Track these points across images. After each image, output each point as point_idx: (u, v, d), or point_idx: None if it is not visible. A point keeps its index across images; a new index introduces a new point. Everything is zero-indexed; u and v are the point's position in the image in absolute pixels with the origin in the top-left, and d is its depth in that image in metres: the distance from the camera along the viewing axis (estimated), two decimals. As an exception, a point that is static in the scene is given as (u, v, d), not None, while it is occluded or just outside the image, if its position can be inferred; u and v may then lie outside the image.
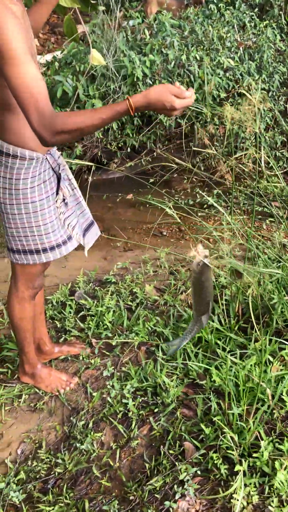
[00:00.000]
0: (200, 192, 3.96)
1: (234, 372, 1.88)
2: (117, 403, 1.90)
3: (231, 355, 1.97)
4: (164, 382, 1.91)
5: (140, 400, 1.89)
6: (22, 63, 1.21)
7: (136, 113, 1.27)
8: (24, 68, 1.21)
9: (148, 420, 1.84)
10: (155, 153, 4.21)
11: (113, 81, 4.01)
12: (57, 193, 1.65)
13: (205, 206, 3.92)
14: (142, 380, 1.96)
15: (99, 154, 4.18)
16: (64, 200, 1.67)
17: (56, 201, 1.64)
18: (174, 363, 2.00)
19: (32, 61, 1.25)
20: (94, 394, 1.95)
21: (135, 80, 3.86)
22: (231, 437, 1.65)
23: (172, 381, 1.92)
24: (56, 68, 4.04)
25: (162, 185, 4.17)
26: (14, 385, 2.03)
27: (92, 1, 2.19)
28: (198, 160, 4.19)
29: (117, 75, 3.96)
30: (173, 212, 2.22)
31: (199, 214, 3.90)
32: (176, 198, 4.08)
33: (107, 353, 2.13)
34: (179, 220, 2.22)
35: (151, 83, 3.94)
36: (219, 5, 4.65)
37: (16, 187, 1.57)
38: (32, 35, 1.47)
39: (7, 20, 1.21)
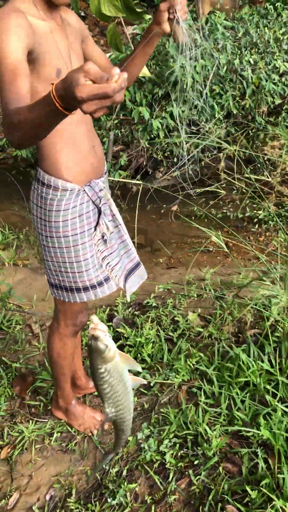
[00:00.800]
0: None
1: (286, 425, 1.68)
2: (154, 450, 1.74)
3: (282, 403, 1.77)
4: (206, 431, 1.74)
5: (179, 450, 1.73)
6: (3, 62, 1.14)
7: (63, 106, 0.84)
8: (3, 66, 1.13)
9: (187, 473, 1.68)
10: (203, 162, 4.02)
11: (161, 87, 3.85)
12: (95, 229, 1.51)
13: (255, 219, 3.70)
14: (182, 426, 1.80)
15: (144, 164, 4.04)
16: (103, 237, 1.52)
17: (93, 238, 1.50)
18: (218, 409, 1.82)
19: (11, 60, 1.14)
20: (129, 438, 1.80)
21: (184, 86, 3.68)
22: (281, 507, 1.46)
23: (214, 430, 1.74)
24: (102, 74, 3.91)
25: (209, 196, 3.97)
26: (46, 421, 1.92)
27: (138, 10, 2.02)
28: (248, 170, 3.97)
29: (165, 81, 3.79)
30: (220, 239, 2.04)
31: (248, 229, 3.70)
32: (224, 210, 3.87)
33: (145, 391, 1.98)
34: (226, 249, 2.04)
35: (201, 89, 3.74)
36: (276, 4, 4.39)
37: (49, 219, 1.44)
38: (63, 52, 1.35)
39: (9, 21, 1.18)
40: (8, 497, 1.71)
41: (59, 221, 1.43)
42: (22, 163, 5.20)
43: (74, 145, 1.42)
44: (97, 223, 1.49)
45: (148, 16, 2.27)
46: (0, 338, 2.41)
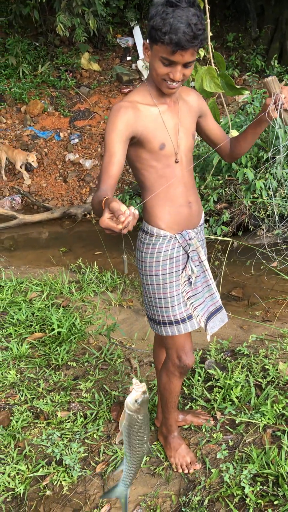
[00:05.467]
0: None
1: None
2: (235, 485, 1.84)
3: None
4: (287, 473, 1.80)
5: (259, 488, 1.80)
6: (106, 150, 1.50)
7: None
8: (106, 153, 1.50)
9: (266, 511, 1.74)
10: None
11: (266, 151, 4.09)
12: (182, 271, 1.73)
13: None
14: (264, 465, 1.87)
15: (246, 221, 4.24)
16: (189, 279, 1.74)
17: (180, 279, 1.72)
18: (301, 454, 1.87)
19: (112, 150, 1.49)
20: (213, 470, 1.91)
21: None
22: None
23: (296, 474, 1.80)
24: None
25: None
26: (138, 445, 2.10)
27: (237, 86, 2.29)
28: None
29: (270, 145, 4.03)
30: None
31: None
32: None
33: (230, 429, 2.09)
34: None
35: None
36: None
37: (145, 260, 1.73)
38: (170, 129, 1.63)
39: (116, 117, 1.51)
40: (100, 507, 1.90)
41: (153, 262, 1.71)
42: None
43: (171, 201, 1.69)
44: (185, 266, 1.73)
45: (246, 92, 2.52)
46: (103, 368, 2.69)
